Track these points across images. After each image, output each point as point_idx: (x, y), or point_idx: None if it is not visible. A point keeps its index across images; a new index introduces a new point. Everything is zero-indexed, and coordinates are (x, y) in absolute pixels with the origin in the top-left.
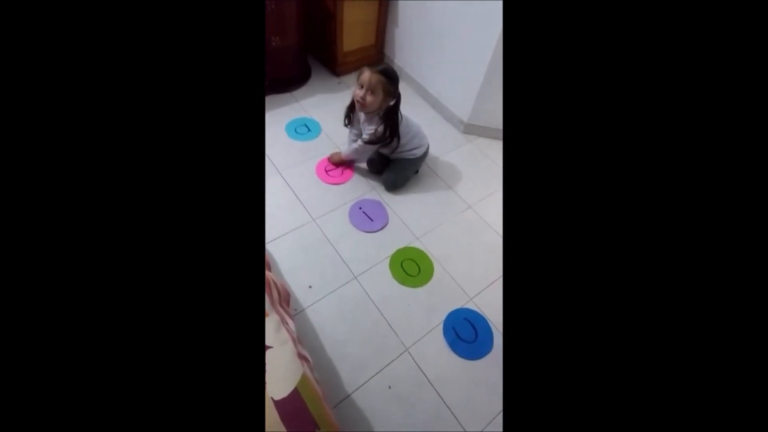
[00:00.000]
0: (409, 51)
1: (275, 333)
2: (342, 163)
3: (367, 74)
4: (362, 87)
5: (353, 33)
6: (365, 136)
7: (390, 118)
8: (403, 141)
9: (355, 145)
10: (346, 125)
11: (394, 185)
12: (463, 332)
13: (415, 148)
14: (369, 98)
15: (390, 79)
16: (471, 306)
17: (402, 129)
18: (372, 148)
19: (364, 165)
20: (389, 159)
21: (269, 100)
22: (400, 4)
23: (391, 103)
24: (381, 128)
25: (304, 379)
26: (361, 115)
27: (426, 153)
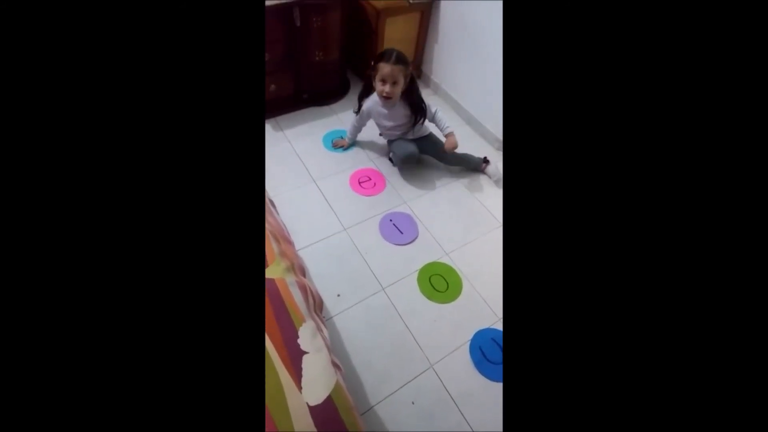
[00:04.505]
0: (447, 67)
1: (311, 339)
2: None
3: (388, 69)
4: (385, 82)
5: None
6: (396, 130)
7: (411, 96)
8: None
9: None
10: (355, 112)
11: (401, 157)
12: (490, 353)
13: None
14: (395, 89)
15: (406, 64)
16: (499, 326)
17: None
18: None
19: (397, 178)
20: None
21: (309, 111)
22: (441, 21)
23: (408, 82)
24: (409, 111)
25: (337, 386)
26: (381, 111)
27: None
